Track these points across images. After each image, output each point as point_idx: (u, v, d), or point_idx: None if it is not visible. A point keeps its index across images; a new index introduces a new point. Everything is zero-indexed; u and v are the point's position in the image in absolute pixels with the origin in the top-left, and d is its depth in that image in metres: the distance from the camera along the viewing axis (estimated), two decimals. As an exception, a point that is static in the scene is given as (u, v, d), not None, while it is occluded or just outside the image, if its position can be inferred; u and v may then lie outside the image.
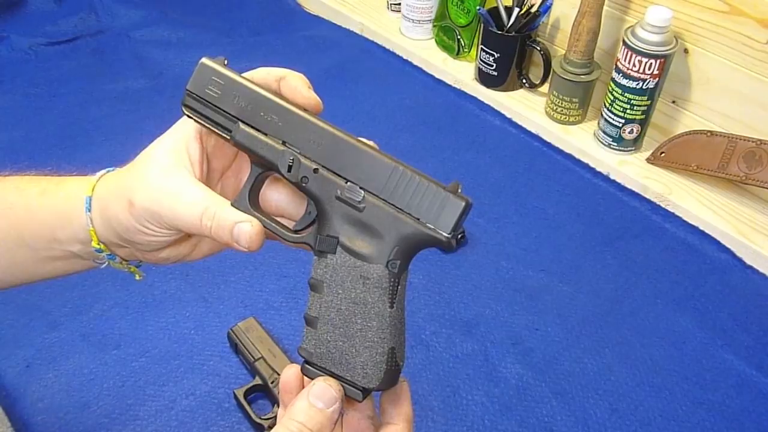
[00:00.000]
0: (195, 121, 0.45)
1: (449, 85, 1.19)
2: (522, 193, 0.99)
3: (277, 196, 0.49)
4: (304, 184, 0.42)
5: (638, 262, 0.89)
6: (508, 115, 1.12)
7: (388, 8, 1.32)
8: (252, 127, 0.43)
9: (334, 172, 0.42)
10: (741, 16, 0.87)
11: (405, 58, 1.25)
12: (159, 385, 0.73)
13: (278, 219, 0.47)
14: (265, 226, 0.43)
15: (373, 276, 0.41)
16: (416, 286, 0.85)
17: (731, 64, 0.90)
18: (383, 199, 0.41)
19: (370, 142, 0.44)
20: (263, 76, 0.45)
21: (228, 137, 0.44)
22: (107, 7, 1.34)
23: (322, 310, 0.42)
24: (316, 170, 0.42)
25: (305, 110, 0.43)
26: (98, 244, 0.48)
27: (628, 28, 0.93)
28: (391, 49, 1.27)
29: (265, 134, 0.43)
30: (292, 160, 0.42)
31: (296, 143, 0.42)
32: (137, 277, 0.55)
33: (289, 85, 0.45)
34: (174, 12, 1.36)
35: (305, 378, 0.43)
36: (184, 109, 0.45)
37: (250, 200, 0.44)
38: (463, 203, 0.41)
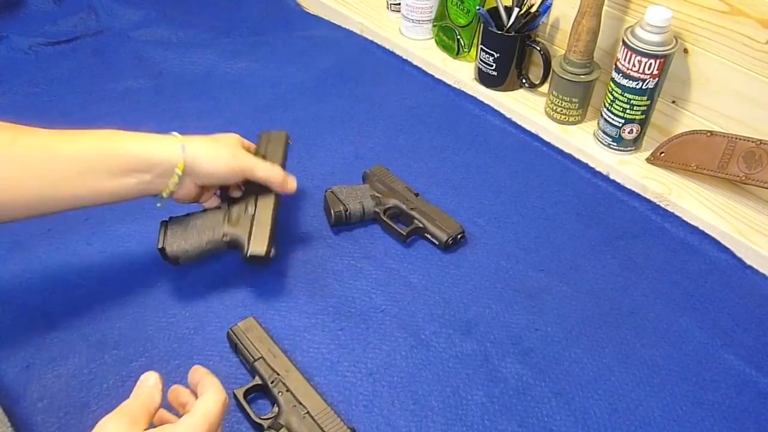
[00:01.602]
0: None
1: (449, 85, 1.19)
2: (522, 193, 0.99)
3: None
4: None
5: (638, 262, 0.89)
6: (508, 115, 1.12)
7: (387, 8, 1.32)
8: None
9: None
10: (741, 16, 0.87)
11: (405, 58, 1.25)
12: (159, 385, 0.73)
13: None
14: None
15: None
16: (416, 286, 0.85)
17: (731, 64, 0.91)
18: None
19: None
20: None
21: None
22: (107, 7, 1.34)
23: None
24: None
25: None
26: (182, 168, 0.73)
27: (628, 28, 0.93)
28: (391, 49, 1.27)
29: None
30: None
31: None
32: (158, 205, 0.76)
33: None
34: (174, 12, 1.36)
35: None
36: None
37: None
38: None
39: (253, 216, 0.80)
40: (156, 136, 0.74)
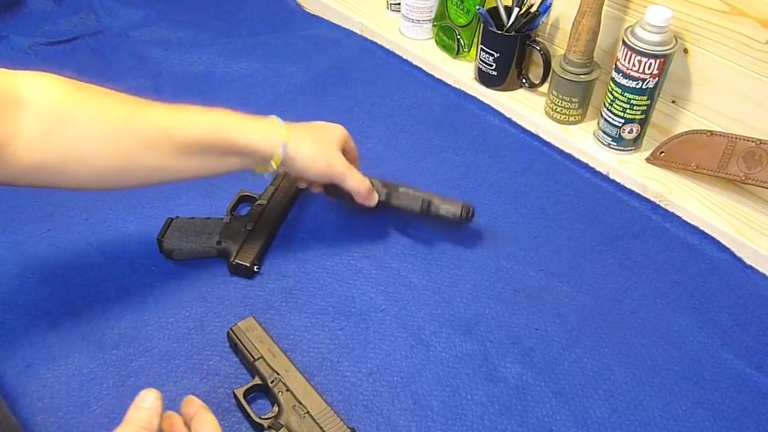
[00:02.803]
0: None
1: (449, 85, 1.19)
2: (522, 193, 0.99)
3: None
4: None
5: (638, 262, 0.89)
6: (508, 115, 1.12)
7: (387, 8, 1.32)
8: None
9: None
10: (741, 16, 0.87)
11: (405, 57, 1.25)
12: (159, 384, 0.73)
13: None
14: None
15: None
16: (416, 286, 0.85)
17: (731, 64, 0.90)
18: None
19: None
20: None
21: None
22: (107, 7, 1.34)
23: None
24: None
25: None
26: (278, 162, 0.77)
27: (628, 27, 0.93)
28: (390, 49, 1.27)
29: None
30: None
31: None
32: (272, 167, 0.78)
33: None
34: (174, 12, 1.36)
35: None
36: None
37: None
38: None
39: (250, 232, 0.87)
40: (261, 125, 0.77)
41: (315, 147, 0.80)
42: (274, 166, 0.77)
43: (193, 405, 0.60)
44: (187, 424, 0.60)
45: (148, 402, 0.57)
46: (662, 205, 0.97)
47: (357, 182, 0.83)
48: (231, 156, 0.75)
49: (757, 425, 0.72)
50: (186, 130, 0.71)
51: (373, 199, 0.86)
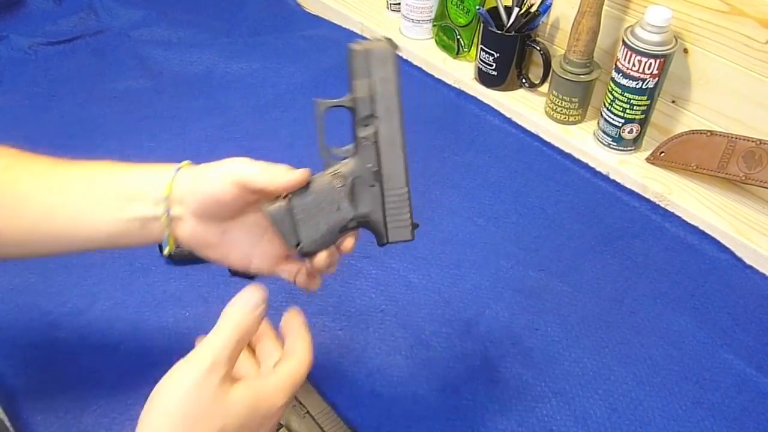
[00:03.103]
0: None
1: (449, 85, 1.19)
2: (522, 193, 0.99)
3: None
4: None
5: (638, 262, 0.89)
6: (508, 115, 1.12)
7: (387, 8, 1.32)
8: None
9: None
10: (741, 16, 0.87)
11: (404, 58, 1.25)
12: (159, 385, 0.73)
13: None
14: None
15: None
16: (416, 286, 0.85)
17: (731, 64, 0.90)
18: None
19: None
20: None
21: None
22: (107, 7, 1.34)
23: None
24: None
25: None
26: (170, 189, 0.55)
27: (628, 27, 0.93)
28: (390, 49, 1.27)
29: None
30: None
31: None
32: (167, 249, 0.58)
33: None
34: (174, 12, 1.36)
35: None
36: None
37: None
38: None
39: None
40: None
41: (206, 165, 0.57)
42: (165, 195, 0.56)
43: (294, 320, 0.54)
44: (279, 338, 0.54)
45: (250, 303, 0.50)
46: (662, 205, 0.97)
47: (266, 175, 0.55)
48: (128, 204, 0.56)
49: (757, 425, 0.72)
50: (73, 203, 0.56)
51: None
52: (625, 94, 0.96)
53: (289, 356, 0.52)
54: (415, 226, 0.58)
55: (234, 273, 0.85)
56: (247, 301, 0.50)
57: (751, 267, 0.89)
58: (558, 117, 1.08)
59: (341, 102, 0.56)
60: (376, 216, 0.58)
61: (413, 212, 0.58)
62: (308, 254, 0.58)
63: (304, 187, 0.56)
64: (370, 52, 0.54)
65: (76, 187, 0.56)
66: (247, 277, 0.85)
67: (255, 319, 0.50)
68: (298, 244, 0.57)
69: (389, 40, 0.55)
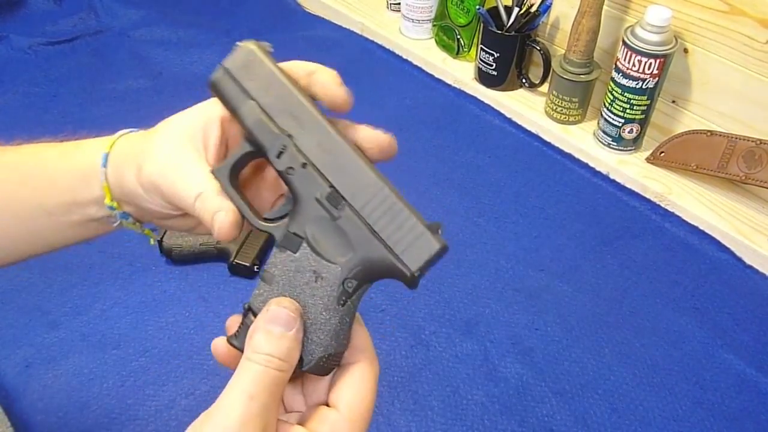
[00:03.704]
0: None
1: (449, 85, 1.19)
2: (522, 193, 0.99)
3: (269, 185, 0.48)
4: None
5: (638, 262, 0.89)
6: (508, 115, 1.12)
7: (388, 8, 1.32)
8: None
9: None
10: (741, 16, 0.87)
11: (405, 57, 1.25)
12: (159, 384, 0.73)
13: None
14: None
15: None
16: (416, 286, 0.85)
17: (731, 64, 0.90)
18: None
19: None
20: (294, 68, 0.45)
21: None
22: (107, 7, 1.34)
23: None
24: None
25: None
26: (111, 201, 0.48)
27: (628, 27, 0.93)
28: (391, 49, 1.27)
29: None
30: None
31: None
32: (151, 241, 0.55)
33: (319, 80, 0.44)
34: (174, 12, 1.36)
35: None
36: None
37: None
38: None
39: (250, 232, 0.82)
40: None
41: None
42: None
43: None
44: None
45: (291, 327, 0.39)
46: (662, 205, 0.97)
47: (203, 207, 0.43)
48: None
49: (757, 425, 0.72)
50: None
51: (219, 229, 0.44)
52: (625, 94, 0.96)
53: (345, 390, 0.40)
54: (436, 227, 0.40)
55: (234, 273, 0.85)
56: (280, 322, 0.39)
57: (751, 267, 0.89)
58: (558, 117, 1.08)
59: (240, 153, 0.42)
60: (374, 250, 0.40)
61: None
62: (325, 365, 0.41)
63: (260, 289, 0.42)
64: (227, 69, 0.43)
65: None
66: (247, 276, 0.85)
67: (296, 342, 0.39)
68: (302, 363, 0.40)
69: (246, 42, 0.44)
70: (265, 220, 0.43)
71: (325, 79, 0.44)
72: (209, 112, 0.45)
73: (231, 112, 0.43)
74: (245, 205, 0.42)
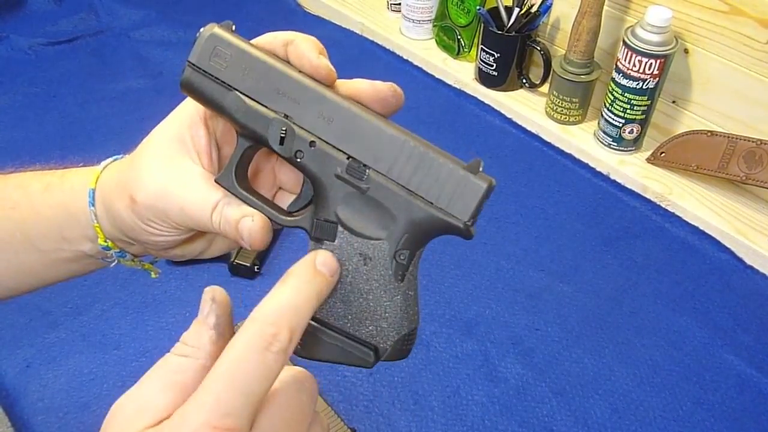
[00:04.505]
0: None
1: (449, 85, 1.19)
2: (522, 193, 0.99)
3: (285, 176, 0.44)
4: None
5: (638, 262, 0.89)
6: (508, 115, 1.12)
7: (388, 8, 1.32)
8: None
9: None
10: (741, 16, 0.87)
11: (405, 58, 1.25)
12: (159, 385, 0.73)
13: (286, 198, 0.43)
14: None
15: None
16: (416, 286, 0.85)
17: (731, 64, 0.90)
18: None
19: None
20: (269, 41, 0.40)
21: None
22: (107, 7, 1.34)
23: None
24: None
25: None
26: (105, 241, 0.44)
27: (628, 28, 0.93)
28: (391, 49, 1.27)
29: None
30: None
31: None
32: (153, 275, 0.51)
33: (297, 50, 0.38)
34: (174, 12, 1.36)
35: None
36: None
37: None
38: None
39: None
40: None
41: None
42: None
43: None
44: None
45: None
46: (662, 206, 0.97)
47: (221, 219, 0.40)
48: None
49: (757, 425, 0.72)
50: None
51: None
52: (626, 94, 0.96)
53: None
54: (477, 165, 0.37)
55: (234, 273, 0.85)
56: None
57: (751, 267, 0.89)
58: (558, 117, 1.08)
59: (240, 151, 0.39)
60: (416, 211, 0.36)
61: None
62: (403, 348, 0.39)
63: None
64: (195, 65, 0.39)
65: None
66: (247, 277, 0.85)
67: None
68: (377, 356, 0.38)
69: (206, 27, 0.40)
70: (289, 214, 0.39)
71: (302, 49, 0.38)
72: (189, 113, 0.41)
73: (214, 111, 0.39)
74: (264, 206, 0.39)
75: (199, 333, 0.34)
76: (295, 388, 0.32)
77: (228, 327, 0.35)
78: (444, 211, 0.36)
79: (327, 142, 0.36)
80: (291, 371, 0.33)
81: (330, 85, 0.38)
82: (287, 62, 0.38)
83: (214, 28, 0.39)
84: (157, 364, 0.33)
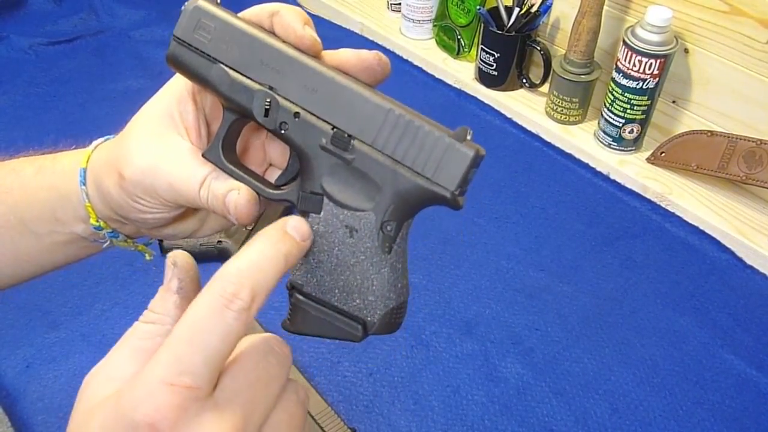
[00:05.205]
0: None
1: (449, 85, 1.19)
2: (522, 193, 0.99)
3: (275, 152, 0.44)
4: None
5: (638, 262, 0.89)
6: (509, 115, 1.12)
7: (388, 8, 1.32)
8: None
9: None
10: (741, 16, 0.87)
11: (405, 58, 1.25)
12: (159, 385, 0.73)
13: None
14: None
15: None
16: (416, 286, 0.85)
17: (731, 64, 0.90)
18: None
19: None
20: (256, 13, 0.39)
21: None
22: (107, 7, 1.34)
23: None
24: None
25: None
26: (97, 221, 0.44)
27: (629, 27, 0.93)
28: (391, 49, 1.27)
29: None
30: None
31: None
32: (147, 257, 0.51)
33: (282, 21, 0.38)
34: (174, 12, 1.35)
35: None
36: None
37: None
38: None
39: (251, 231, 0.84)
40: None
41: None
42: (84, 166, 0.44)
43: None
44: None
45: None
46: (662, 205, 0.97)
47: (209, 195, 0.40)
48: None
49: (757, 425, 0.72)
50: None
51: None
52: (626, 94, 0.96)
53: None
54: (464, 133, 0.38)
55: None
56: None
57: (751, 267, 0.89)
58: (558, 117, 1.08)
59: (227, 125, 0.39)
60: (402, 181, 0.36)
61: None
62: (391, 321, 0.39)
63: (296, 264, 0.37)
64: (180, 38, 0.40)
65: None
66: None
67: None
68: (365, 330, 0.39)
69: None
70: (277, 188, 0.39)
71: (287, 20, 0.38)
72: (177, 89, 0.41)
73: (200, 85, 0.39)
74: (251, 179, 0.39)
75: (164, 299, 0.34)
76: (263, 350, 0.33)
77: (193, 291, 0.35)
78: (430, 181, 0.35)
79: (311, 113, 0.36)
80: (261, 336, 0.34)
81: (316, 56, 0.38)
82: (272, 33, 0.38)
83: (198, 1, 0.39)
84: (126, 334, 0.33)
